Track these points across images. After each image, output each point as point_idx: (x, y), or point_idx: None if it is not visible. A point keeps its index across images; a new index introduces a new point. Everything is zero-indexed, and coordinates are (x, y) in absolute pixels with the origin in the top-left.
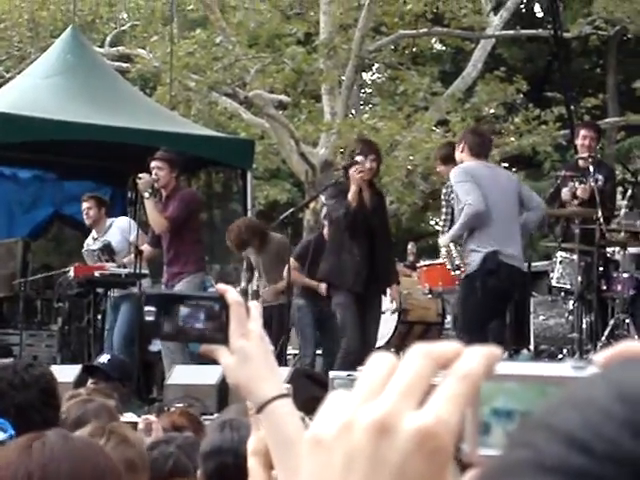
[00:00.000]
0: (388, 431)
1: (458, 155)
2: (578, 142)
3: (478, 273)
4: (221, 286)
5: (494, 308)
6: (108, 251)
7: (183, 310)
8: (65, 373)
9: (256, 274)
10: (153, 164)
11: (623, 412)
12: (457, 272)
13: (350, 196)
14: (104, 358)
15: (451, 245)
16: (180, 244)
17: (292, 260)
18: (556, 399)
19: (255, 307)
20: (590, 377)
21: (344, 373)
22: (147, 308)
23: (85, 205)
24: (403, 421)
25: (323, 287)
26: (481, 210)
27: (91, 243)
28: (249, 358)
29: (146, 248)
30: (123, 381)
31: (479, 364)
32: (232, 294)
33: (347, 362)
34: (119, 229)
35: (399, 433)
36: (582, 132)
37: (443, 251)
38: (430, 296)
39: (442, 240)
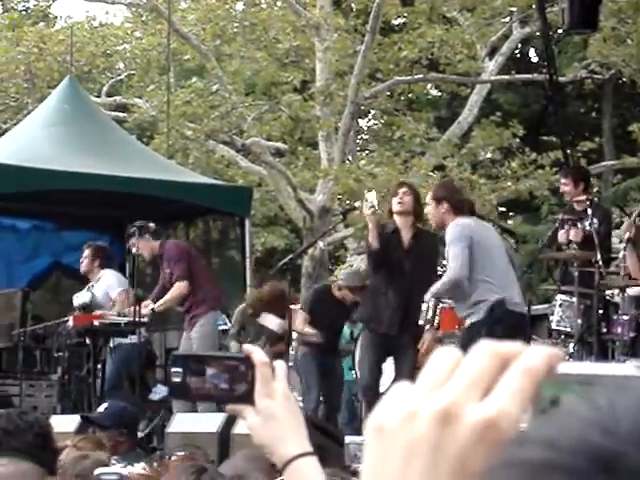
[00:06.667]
0: (451, 421)
1: (446, 216)
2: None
3: (485, 322)
4: (247, 347)
5: None
6: (87, 310)
7: (209, 371)
8: (66, 423)
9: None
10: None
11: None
12: (427, 326)
13: (369, 236)
14: (102, 407)
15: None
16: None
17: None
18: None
19: (281, 367)
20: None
21: (359, 438)
22: (173, 369)
23: (84, 254)
24: (466, 412)
25: (312, 334)
26: (462, 278)
27: (83, 293)
28: (273, 417)
29: (147, 304)
30: (122, 429)
31: (541, 361)
32: (258, 354)
33: (366, 397)
34: (104, 284)
35: (462, 423)
36: (561, 180)
37: (423, 306)
38: None
39: (426, 296)
